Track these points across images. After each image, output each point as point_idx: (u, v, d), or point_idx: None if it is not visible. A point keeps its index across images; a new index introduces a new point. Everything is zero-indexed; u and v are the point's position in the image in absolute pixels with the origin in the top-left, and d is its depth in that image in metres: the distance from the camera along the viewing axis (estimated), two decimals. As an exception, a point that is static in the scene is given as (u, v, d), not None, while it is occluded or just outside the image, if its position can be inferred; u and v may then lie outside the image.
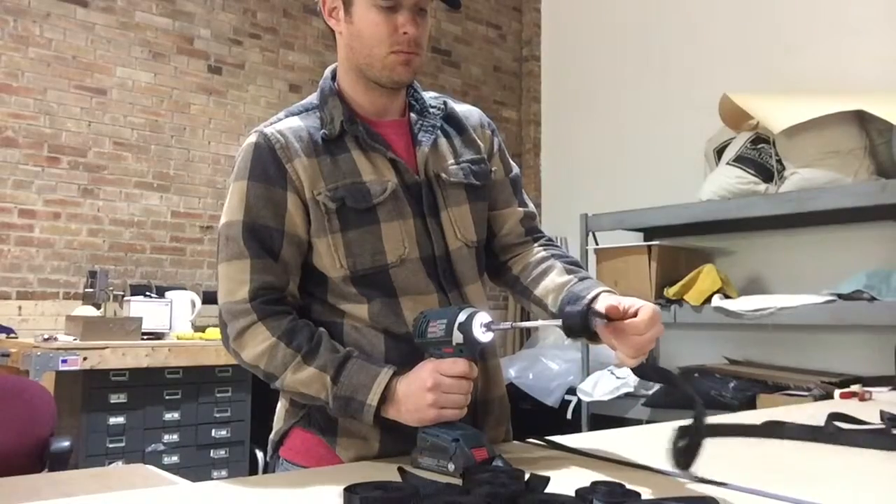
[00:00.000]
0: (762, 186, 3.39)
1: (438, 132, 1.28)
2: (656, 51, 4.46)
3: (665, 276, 3.60)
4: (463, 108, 1.37)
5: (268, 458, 1.28)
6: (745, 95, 3.46)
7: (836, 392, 1.97)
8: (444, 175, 1.25)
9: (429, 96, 1.33)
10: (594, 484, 0.78)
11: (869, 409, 1.59)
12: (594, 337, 1.06)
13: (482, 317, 1.04)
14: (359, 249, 1.17)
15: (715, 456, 1.20)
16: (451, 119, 1.33)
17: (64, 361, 2.89)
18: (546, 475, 0.86)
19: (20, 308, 3.57)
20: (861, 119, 3.20)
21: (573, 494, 0.78)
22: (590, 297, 1.11)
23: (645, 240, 3.99)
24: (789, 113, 3.18)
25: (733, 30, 4.06)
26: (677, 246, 3.78)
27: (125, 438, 3.08)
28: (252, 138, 1.21)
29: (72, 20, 3.78)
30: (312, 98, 1.27)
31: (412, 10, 1.16)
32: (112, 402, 3.06)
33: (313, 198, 1.17)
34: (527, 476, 0.86)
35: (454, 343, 1.03)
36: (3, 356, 3.05)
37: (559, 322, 1.01)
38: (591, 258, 3.96)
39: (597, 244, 3.99)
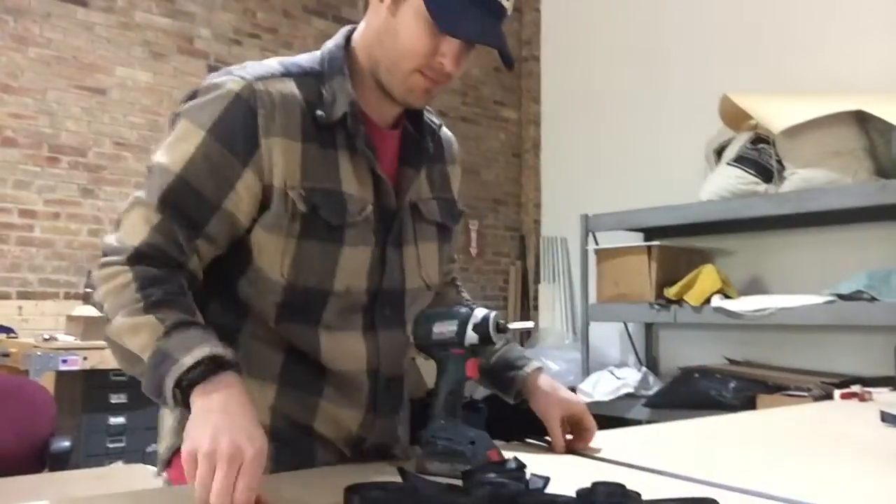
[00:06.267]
0: (762, 187, 3.39)
1: (428, 159, 1.15)
2: (656, 51, 4.46)
3: (665, 277, 3.61)
4: (447, 137, 1.24)
5: (155, 477, 1.09)
6: (745, 95, 3.46)
7: (836, 392, 1.97)
8: (422, 208, 1.12)
9: (426, 113, 1.18)
10: (594, 484, 0.78)
11: (869, 410, 1.59)
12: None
13: (498, 317, 1.00)
14: (309, 265, 1.01)
15: (714, 456, 1.20)
16: (439, 147, 1.20)
17: (64, 361, 2.89)
18: (546, 475, 0.86)
19: (20, 308, 3.57)
20: (861, 119, 3.20)
21: (573, 494, 0.78)
22: (528, 371, 1.19)
23: (645, 240, 4.00)
24: (789, 113, 3.19)
25: (733, 30, 4.06)
26: (677, 246, 3.78)
27: (125, 438, 3.08)
28: (234, 85, 0.98)
29: (72, 20, 3.78)
30: (315, 62, 1.06)
31: (461, 44, 1.00)
32: (112, 402, 3.06)
33: (283, 189, 0.99)
34: (527, 476, 0.86)
35: (467, 344, 0.99)
36: (4, 356, 3.05)
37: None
38: (591, 258, 3.97)
39: (597, 244, 3.99)
